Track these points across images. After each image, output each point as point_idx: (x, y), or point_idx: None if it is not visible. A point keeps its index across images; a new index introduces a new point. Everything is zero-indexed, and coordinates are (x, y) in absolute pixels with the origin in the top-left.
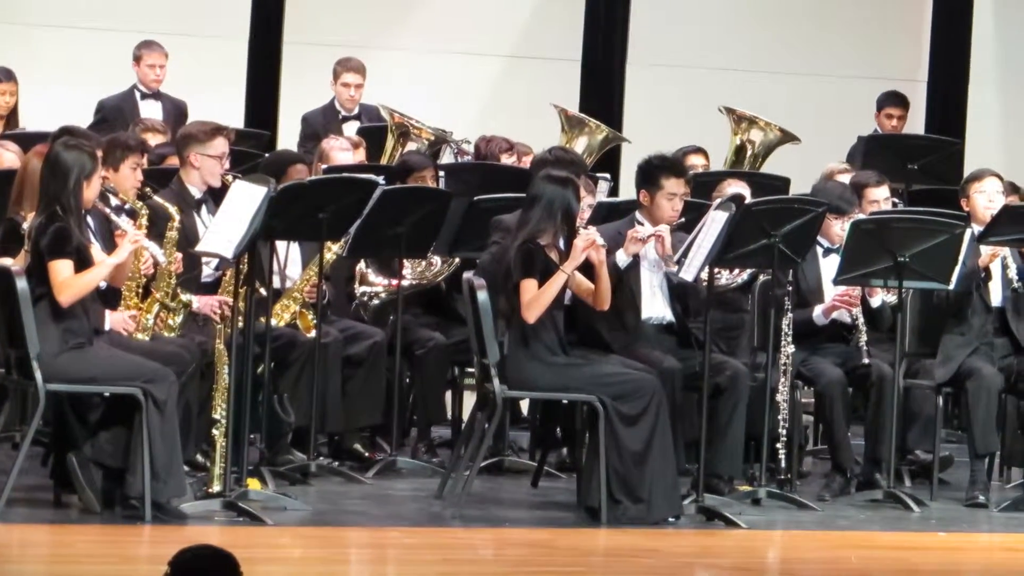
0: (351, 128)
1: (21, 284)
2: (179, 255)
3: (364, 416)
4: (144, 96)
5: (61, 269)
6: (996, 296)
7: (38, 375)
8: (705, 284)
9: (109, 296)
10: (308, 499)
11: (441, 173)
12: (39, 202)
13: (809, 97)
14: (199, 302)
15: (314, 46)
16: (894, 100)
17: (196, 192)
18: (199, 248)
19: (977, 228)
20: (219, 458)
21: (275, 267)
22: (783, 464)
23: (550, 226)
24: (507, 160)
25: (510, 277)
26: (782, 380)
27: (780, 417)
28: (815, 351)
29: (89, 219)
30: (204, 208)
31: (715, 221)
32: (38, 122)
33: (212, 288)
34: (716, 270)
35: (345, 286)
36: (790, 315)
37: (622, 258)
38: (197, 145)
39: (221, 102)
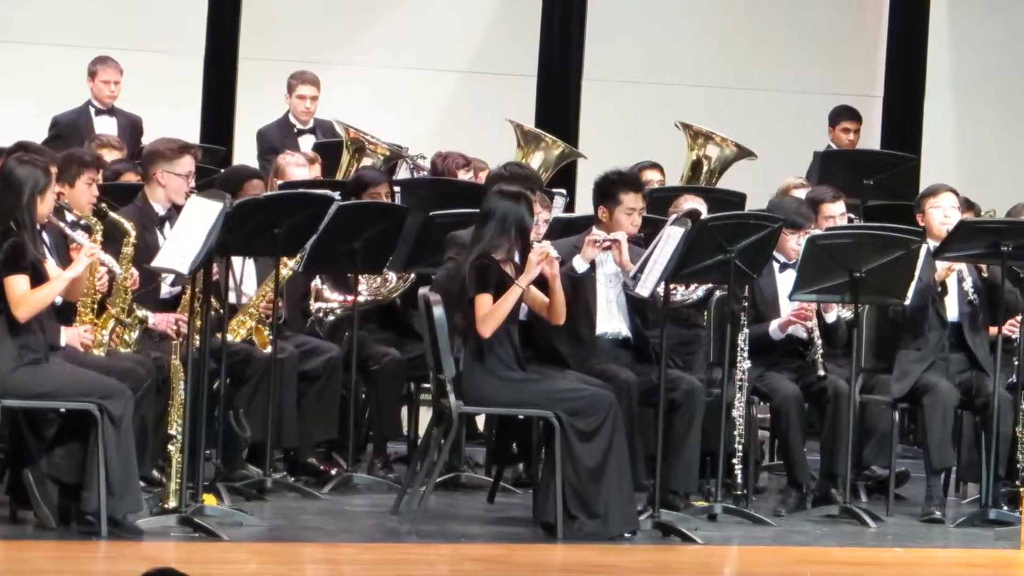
0: (306, 142)
1: None
2: (135, 271)
3: (320, 431)
4: (99, 112)
5: (16, 284)
6: (952, 311)
7: None
8: (661, 300)
9: (64, 311)
10: (264, 515)
11: (397, 189)
12: None
13: (765, 113)
14: (155, 318)
15: (270, 62)
16: (847, 114)
17: (160, 209)
18: (155, 263)
19: (933, 243)
20: (175, 474)
21: (231, 283)
22: (739, 480)
23: (504, 241)
24: (464, 176)
25: (465, 292)
26: (738, 395)
27: (736, 433)
28: (771, 366)
29: (44, 234)
30: (168, 225)
31: (671, 237)
32: None
33: (171, 305)
34: (672, 286)
35: (300, 302)
36: (746, 330)
37: (579, 263)
38: (164, 163)
39: (177, 118)
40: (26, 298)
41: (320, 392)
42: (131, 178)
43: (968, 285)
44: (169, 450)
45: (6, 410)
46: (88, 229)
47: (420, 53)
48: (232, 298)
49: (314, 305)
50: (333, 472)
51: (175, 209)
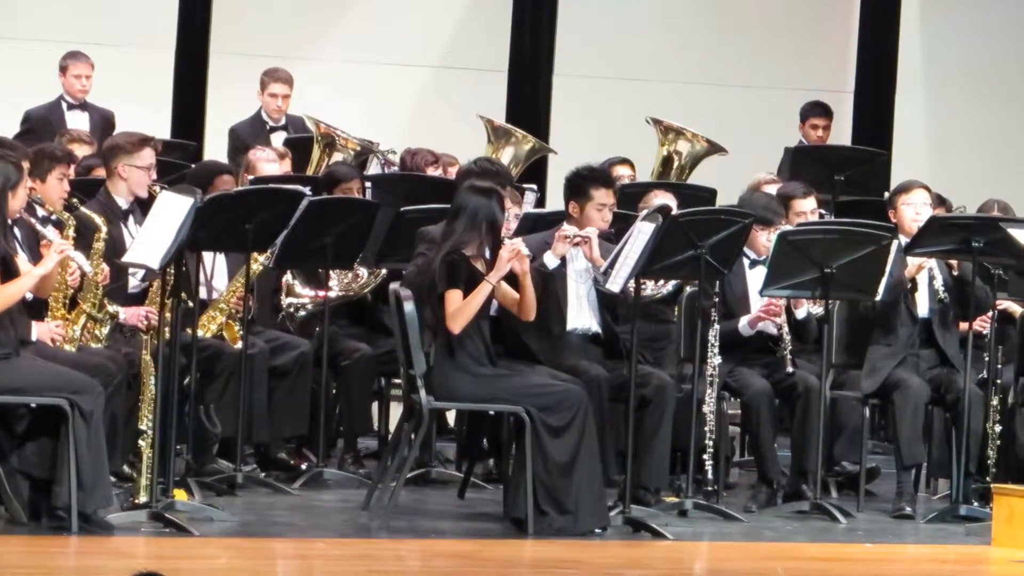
0: (278, 139)
1: None
2: (106, 266)
3: (290, 427)
4: (71, 106)
5: None
6: (923, 307)
7: None
8: (632, 295)
9: (35, 307)
10: (234, 510)
11: (367, 184)
12: None
13: (736, 108)
14: (126, 313)
15: (241, 56)
16: (818, 110)
17: (123, 203)
18: (125, 259)
19: (904, 239)
20: (145, 469)
21: (201, 278)
22: (710, 475)
23: (475, 237)
24: (433, 172)
25: (435, 288)
26: (708, 391)
27: (707, 428)
28: (741, 362)
29: (16, 230)
30: (131, 219)
31: (642, 232)
32: None
33: (139, 299)
34: (642, 281)
35: (271, 297)
36: (717, 326)
37: (550, 259)
38: (124, 156)
39: (148, 113)
40: None
41: (291, 387)
42: (102, 173)
43: (938, 282)
44: (140, 445)
45: None
46: (59, 224)
47: (391, 48)
48: (203, 293)
49: (285, 300)
50: (304, 467)
51: (137, 202)
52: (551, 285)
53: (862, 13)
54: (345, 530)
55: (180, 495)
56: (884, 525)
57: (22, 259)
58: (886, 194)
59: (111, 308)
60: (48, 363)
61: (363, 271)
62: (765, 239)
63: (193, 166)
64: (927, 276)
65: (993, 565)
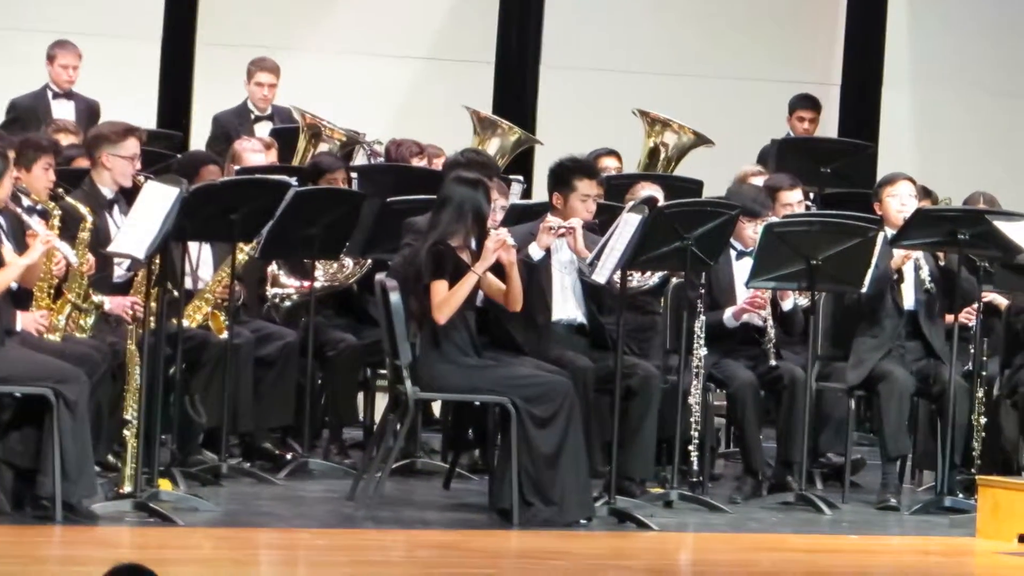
0: (263, 128)
1: None
2: (91, 256)
3: (275, 417)
4: (56, 96)
5: None
6: (909, 299)
7: None
8: (618, 286)
9: (20, 296)
10: (219, 500)
11: (353, 174)
12: None
13: (723, 100)
14: (111, 303)
15: (227, 47)
16: (806, 103)
17: (108, 193)
18: (111, 248)
19: (890, 231)
20: (130, 459)
21: (187, 268)
22: (695, 467)
23: (460, 228)
24: (417, 163)
25: (421, 279)
26: (694, 383)
27: (692, 420)
28: (727, 354)
29: (1, 219)
30: (116, 208)
31: (628, 223)
32: None
33: (124, 289)
34: (628, 272)
35: (257, 287)
36: (703, 318)
37: (535, 251)
38: (109, 146)
39: (134, 103)
40: None
41: (276, 377)
42: (83, 163)
43: (925, 273)
44: (124, 435)
45: None
46: (45, 214)
47: (378, 39)
48: (188, 283)
49: (270, 291)
50: (289, 457)
51: (122, 192)
52: (536, 276)
53: (849, 5)
54: (330, 520)
55: (165, 485)
56: (869, 516)
57: (7, 249)
58: None
59: (96, 298)
60: (33, 353)
61: (349, 261)
62: (752, 231)
63: (179, 156)
64: (913, 266)
65: (977, 557)
